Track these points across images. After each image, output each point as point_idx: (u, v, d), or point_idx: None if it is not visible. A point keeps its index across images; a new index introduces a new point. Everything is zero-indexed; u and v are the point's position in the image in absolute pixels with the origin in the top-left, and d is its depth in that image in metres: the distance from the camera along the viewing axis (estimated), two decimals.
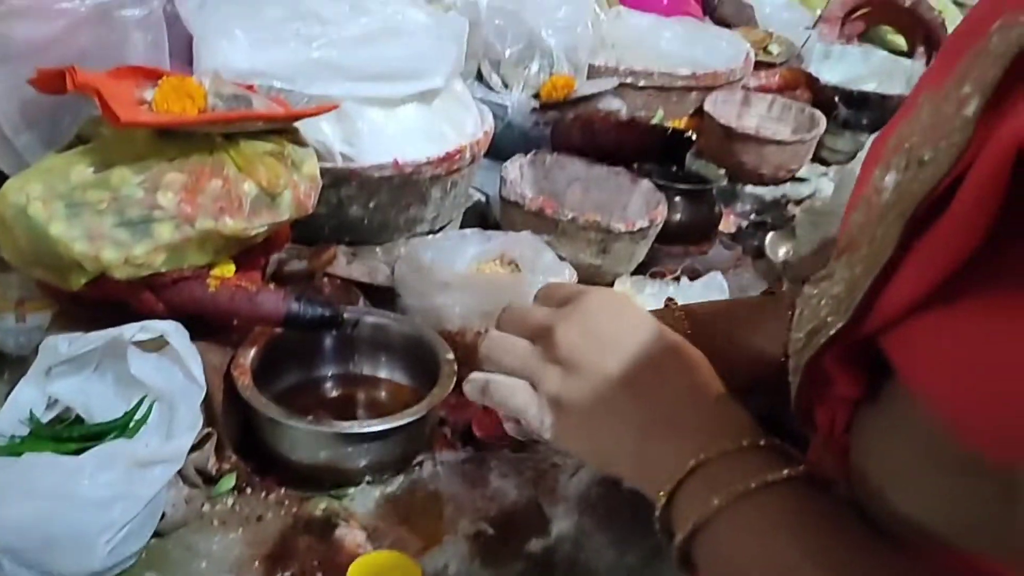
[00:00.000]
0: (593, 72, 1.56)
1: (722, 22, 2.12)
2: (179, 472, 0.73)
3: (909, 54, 2.19)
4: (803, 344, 0.48)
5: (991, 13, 0.39)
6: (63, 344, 0.76)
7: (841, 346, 0.45)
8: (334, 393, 0.93)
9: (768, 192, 1.51)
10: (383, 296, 1.04)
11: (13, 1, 0.86)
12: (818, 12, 2.27)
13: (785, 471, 0.47)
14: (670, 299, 0.73)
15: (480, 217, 1.31)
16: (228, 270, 0.86)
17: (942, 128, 0.39)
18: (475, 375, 0.59)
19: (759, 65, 1.79)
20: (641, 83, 1.57)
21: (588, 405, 0.55)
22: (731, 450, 0.48)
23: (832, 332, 0.44)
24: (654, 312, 0.62)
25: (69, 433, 0.75)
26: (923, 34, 2.15)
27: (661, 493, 0.49)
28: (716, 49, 1.67)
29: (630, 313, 0.58)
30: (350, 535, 0.77)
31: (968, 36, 0.41)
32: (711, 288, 1.16)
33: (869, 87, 1.87)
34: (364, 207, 1.11)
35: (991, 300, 0.37)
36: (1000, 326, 0.36)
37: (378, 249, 1.15)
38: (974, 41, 0.39)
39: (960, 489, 0.40)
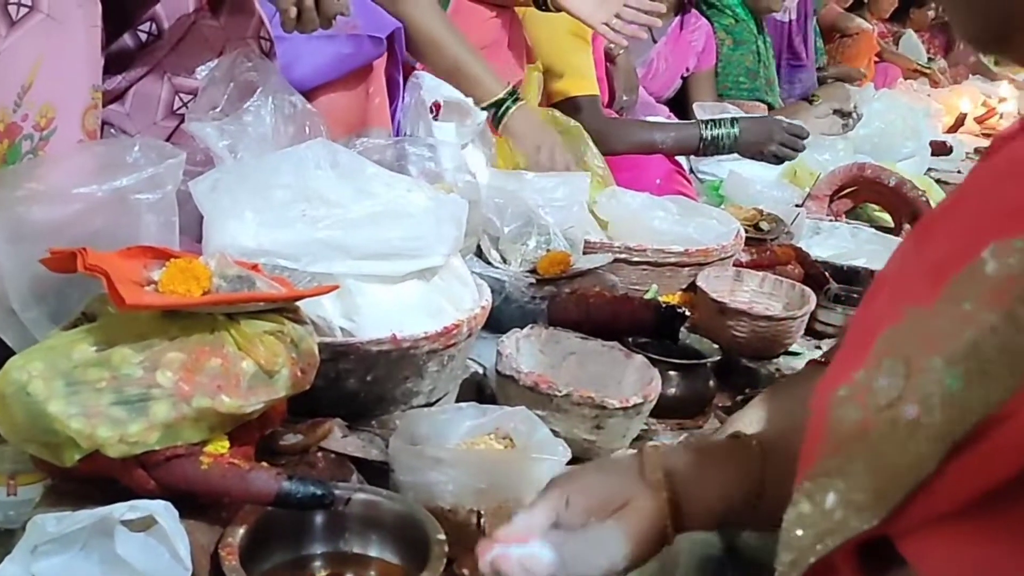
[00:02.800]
0: (589, 248, 1.61)
1: None
2: None
3: (895, 231, 2.26)
4: (810, 542, 0.49)
5: (974, 237, 0.42)
6: (51, 523, 0.76)
7: (853, 543, 0.47)
8: (323, 572, 0.91)
9: (761, 366, 1.52)
10: (376, 471, 1.04)
11: (33, 185, 0.91)
12: (807, 190, 2.36)
13: None
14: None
15: (476, 388, 1.32)
16: (222, 446, 0.86)
17: (943, 343, 0.42)
18: None
19: (750, 241, 1.84)
20: (635, 259, 1.61)
21: None
22: None
23: (851, 535, 0.46)
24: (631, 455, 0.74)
25: None
26: (908, 212, 2.22)
27: None
28: (707, 227, 1.73)
29: None
30: None
31: (952, 257, 0.44)
32: None
33: (859, 262, 1.91)
34: (361, 381, 1.12)
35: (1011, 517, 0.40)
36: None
37: (374, 422, 1.16)
38: (960, 263, 0.42)
39: None
